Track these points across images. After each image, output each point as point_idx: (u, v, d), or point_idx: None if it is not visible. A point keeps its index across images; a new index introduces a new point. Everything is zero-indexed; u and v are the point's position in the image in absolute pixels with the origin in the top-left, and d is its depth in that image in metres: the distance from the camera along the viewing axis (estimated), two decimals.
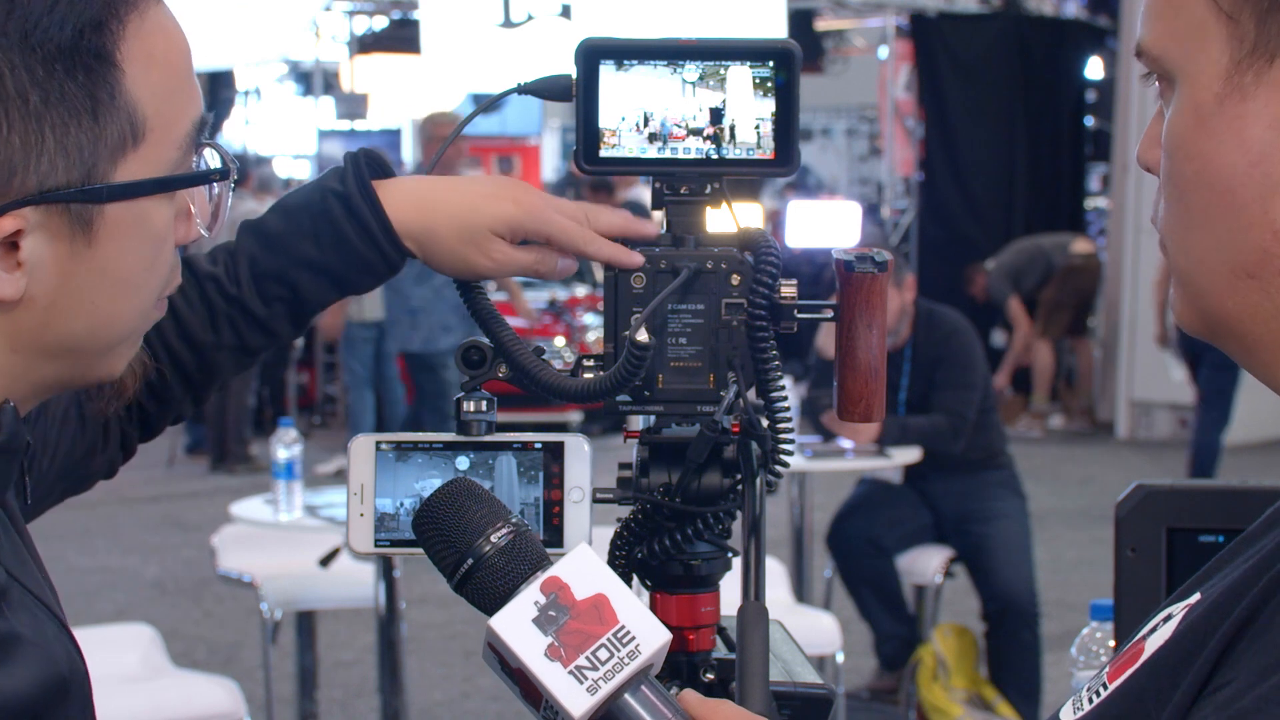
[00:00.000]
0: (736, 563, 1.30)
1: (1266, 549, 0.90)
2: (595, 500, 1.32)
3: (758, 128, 1.30)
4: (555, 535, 1.31)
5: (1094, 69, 13.10)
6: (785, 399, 1.31)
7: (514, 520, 1.12)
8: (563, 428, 9.44)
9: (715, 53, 1.30)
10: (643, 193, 11.81)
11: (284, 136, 17.71)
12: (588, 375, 1.31)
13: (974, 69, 12.25)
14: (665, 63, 1.30)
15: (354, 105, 12.63)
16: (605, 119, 1.30)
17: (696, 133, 1.30)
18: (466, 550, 1.11)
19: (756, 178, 1.53)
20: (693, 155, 1.31)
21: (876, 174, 16.96)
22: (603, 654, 1.06)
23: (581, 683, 1.06)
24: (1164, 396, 11.21)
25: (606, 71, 1.30)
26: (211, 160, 1.13)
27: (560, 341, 10.98)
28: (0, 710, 0.99)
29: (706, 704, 1.10)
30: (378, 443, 1.32)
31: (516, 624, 1.07)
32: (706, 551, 1.31)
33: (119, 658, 3.93)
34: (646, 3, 8.92)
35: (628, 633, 1.07)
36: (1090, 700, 0.97)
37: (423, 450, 1.31)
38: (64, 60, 1.01)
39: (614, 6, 8.90)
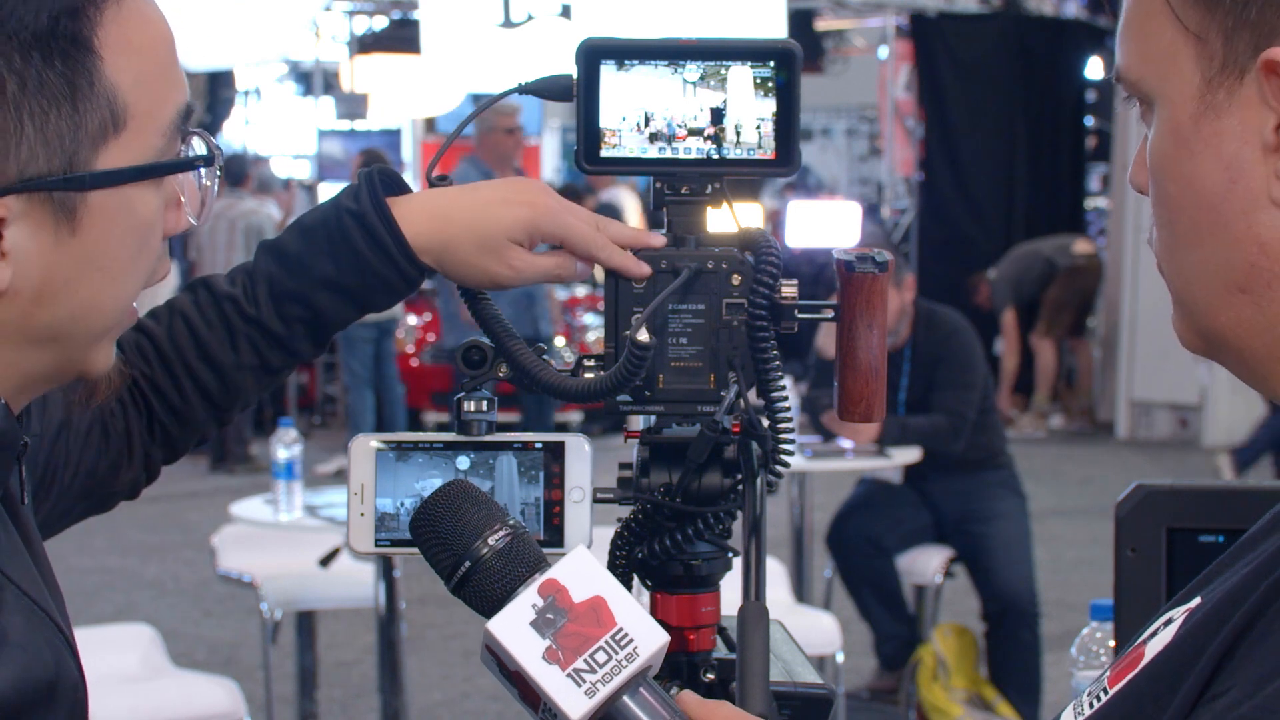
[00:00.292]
0: (736, 563, 1.30)
1: (1265, 554, 0.90)
2: (595, 500, 1.32)
3: (758, 128, 1.30)
4: (556, 535, 1.31)
5: (1094, 69, 13.10)
6: (785, 399, 1.31)
7: (511, 522, 1.12)
8: (563, 428, 9.44)
9: (716, 53, 1.29)
10: (619, 194, 11.80)
11: (284, 136, 17.70)
12: (588, 375, 1.31)
13: (974, 69, 12.24)
14: (666, 63, 1.30)
15: (354, 105, 12.62)
16: (606, 119, 1.30)
17: (697, 133, 1.30)
18: (464, 553, 1.11)
19: (757, 178, 1.53)
20: (693, 155, 1.31)
21: (876, 174, 16.96)
22: (601, 656, 1.06)
23: (580, 685, 1.06)
24: (1164, 396, 11.21)
25: (607, 71, 1.30)
26: (198, 149, 1.12)
27: (560, 341, 10.98)
28: None
29: (705, 705, 1.10)
30: (378, 443, 1.32)
31: (514, 627, 1.07)
32: (707, 551, 1.31)
33: (119, 658, 3.93)
34: (646, 3, 8.91)
35: (626, 635, 1.07)
36: (1091, 705, 0.97)
37: (423, 450, 1.31)
38: (40, 47, 1.01)
39: (614, 6, 8.90)
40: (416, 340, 11.23)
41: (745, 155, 1.30)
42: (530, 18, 9.25)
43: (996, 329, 11.51)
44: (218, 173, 1.15)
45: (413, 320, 11.30)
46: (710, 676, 1.32)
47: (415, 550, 1.17)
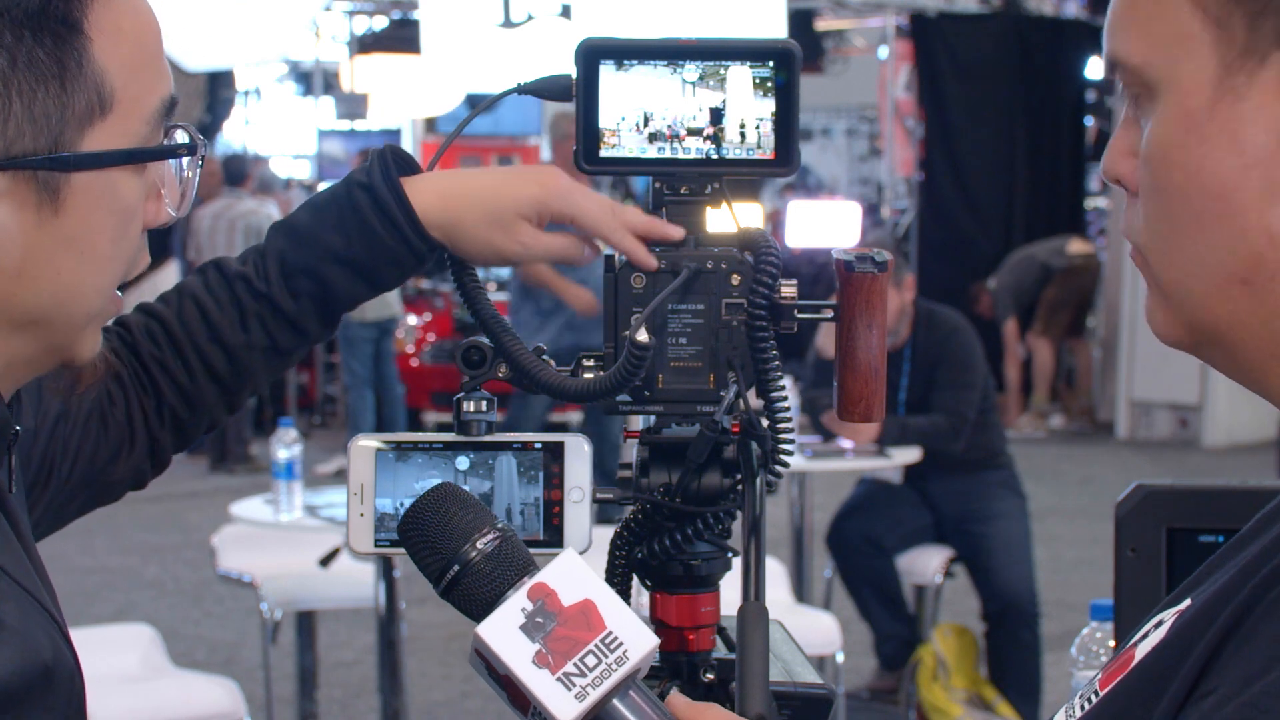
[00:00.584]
0: (736, 563, 1.30)
1: (1253, 554, 0.90)
2: (595, 500, 1.32)
3: (758, 128, 1.30)
4: (555, 535, 1.31)
5: (1094, 69, 13.09)
6: (785, 399, 1.30)
7: (500, 525, 1.12)
8: (563, 428, 9.44)
9: (715, 53, 1.29)
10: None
11: (284, 136, 17.71)
12: (588, 375, 1.31)
13: (974, 69, 12.24)
14: (665, 63, 1.30)
15: (354, 105, 12.62)
16: (605, 119, 1.30)
17: (696, 133, 1.30)
18: (452, 557, 1.11)
19: (756, 178, 1.53)
20: (693, 155, 1.31)
21: (876, 174, 16.96)
22: (590, 660, 1.06)
23: (570, 689, 1.05)
24: (1164, 396, 11.21)
25: (606, 71, 1.30)
26: (181, 140, 1.12)
27: None
28: None
29: (694, 708, 1.10)
30: (378, 443, 1.32)
31: (504, 631, 1.07)
32: (706, 551, 1.31)
33: (119, 658, 3.93)
34: (646, 3, 8.91)
35: (615, 638, 1.07)
36: (1082, 707, 0.97)
37: (423, 450, 1.31)
38: (31, 25, 1.01)
39: (614, 6, 8.89)
40: (416, 340, 11.23)
41: (745, 155, 1.30)
42: (530, 18, 9.25)
43: (1000, 338, 11.50)
44: (199, 164, 1.14)
45: (413, 320, 11.30)
46: (710, 676, 1.32)
47: None
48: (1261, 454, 10.41)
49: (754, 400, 1.29)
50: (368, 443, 1.32)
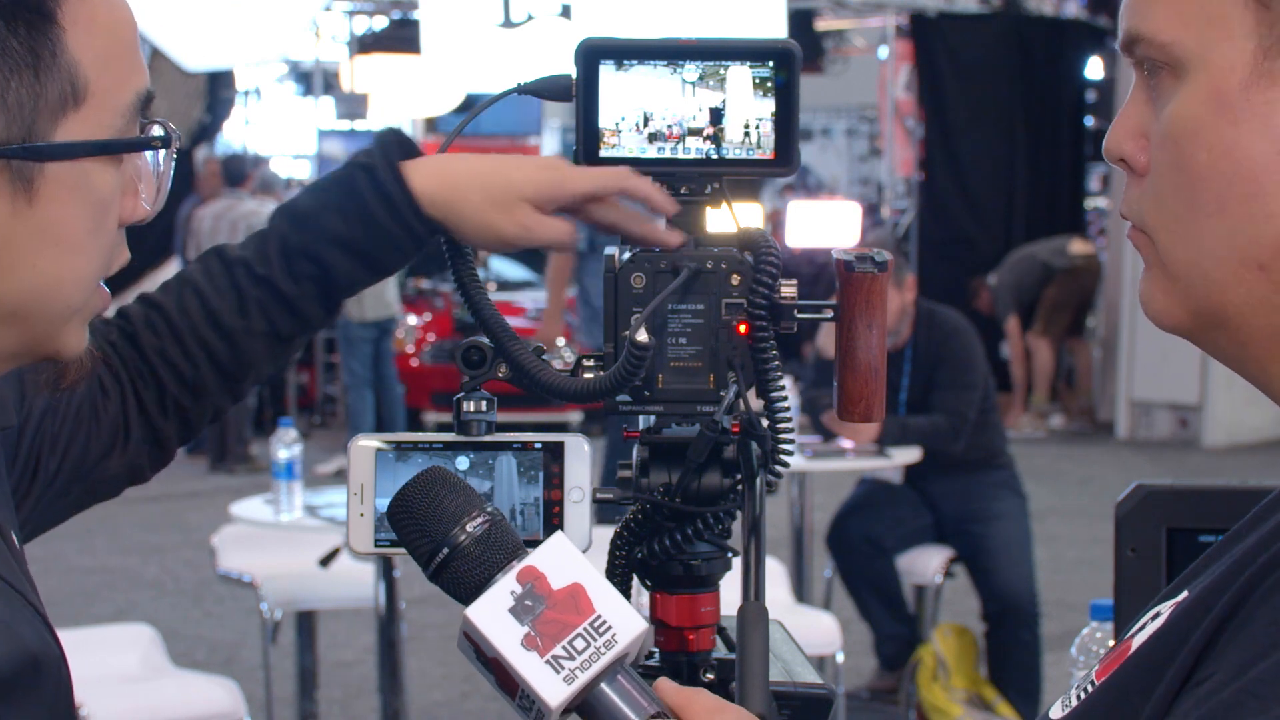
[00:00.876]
0: (736, 563, 1.30)
1: (1248, 546, 0.90)
2: (595, 500, 1.32)
3: (758, 128, 1.30)
4: None
5: (1094, 69, 13.10)
6: (785, 399, 1.30)
7: (489, 509, 1.12)
8: (563, 428, 9.44)
9: (715, 53, 1.29)
10: None
11: (284, 136, 17.70)
12: (588, 375, 1.31)
13: (974, 69, 12.24)
14: (665, 63, 1.30)
15: (354, 105, 12.61)
16: (605, 119, 1.30)
17: (696, 133, 1.30)
18: (442, 539, 1.11)
19: (756, 178, 1.53)
20: (693, 155, 1.31)
21: (876, 174, 16.96)
22: (579, 643, 1.07)
23: (558, 672, 1.06)
24: (1164, 396, 11.21)
25: (606, 71, 1.30)
26: (157, 134, 1.12)
27: (560, 341, 10.98)
28: None
29: (682, 692, 1.10)
30: (378, 443, 1.32)
31: (493, 614, 1.07)
32: (706, 551, 1.31)
33: (119, 658, 3.93)
34: (646, 3, 8.90)
35: (604, 622, 1.08)
36: (1079, 698, 0.97)
37: (423, 450, 1.31)
38: (4, 14, 1.01)
39: (614, 6, 8.89)
40: (416, 340, 11.23)
41: (744, 155, 1.30)
42: (530, 18, 9.25)
43: (998, 333, 11.51)
44: (174, 158, 1.14)
45: (413, 320, 11.30)
46: (710, 676, 1.32)
47: None
48: (1261, 454, 10.42)
49: (754, 400, 1.29)
50: (368, 443, 1.32)
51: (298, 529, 4.49)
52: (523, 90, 1.36)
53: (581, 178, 1.34)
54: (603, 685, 1.08)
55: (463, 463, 1.31)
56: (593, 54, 1.30)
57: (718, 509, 1.30)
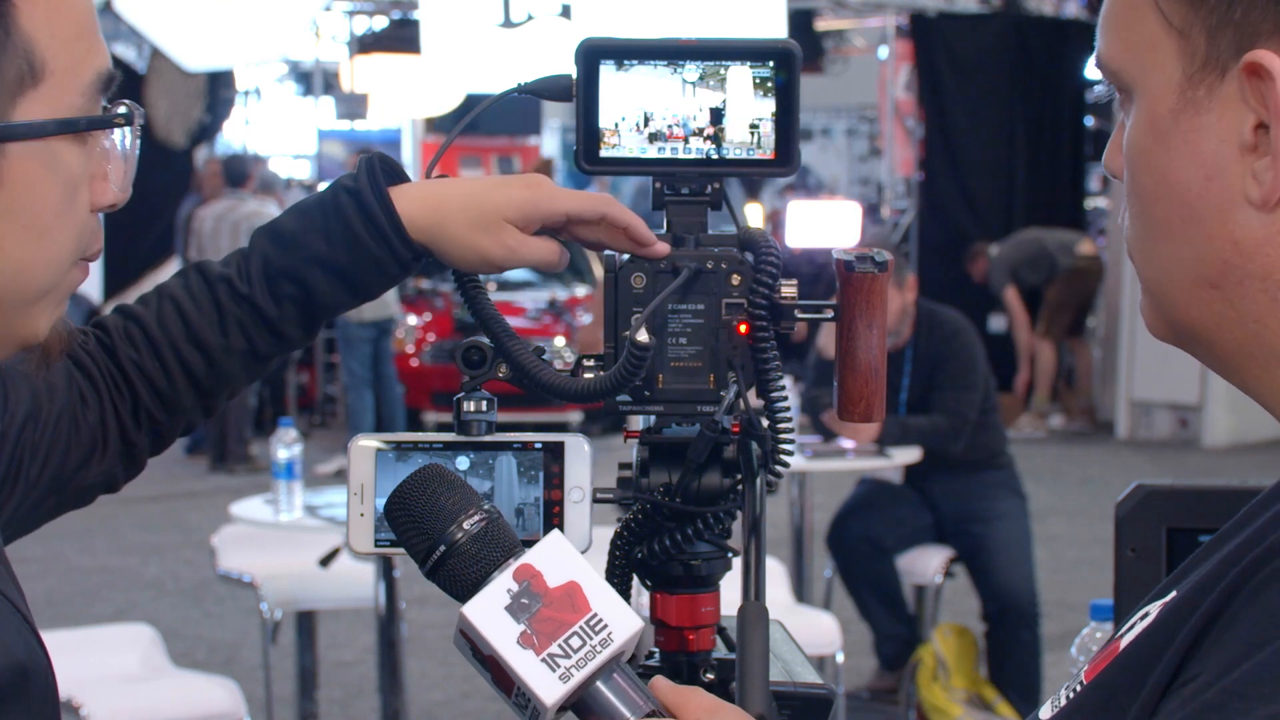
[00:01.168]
0: (736, 563, 1.30)
1: (1235, 545, 0.90)
2: (595, 500, 1.32)
3: (758, 128, 1.30)
4: None
5: (1094, 69, 13.09)
6: (785, 399, 1.30)
7: (486, 507, 1.12)
8: (563, 428, 9.44)
9: (715, 53, 1.29)
10: None
11: (284, 136, 17.71)
12: (588, 375, 1.31)
13: (974, 69, 12.24)
14: (665, 63, 1.29)
15: (354, 105, 12.61)
16: (605, 119, 1.30)
17: (697, 133, 1.30)
18: (439, 537, 1.11)
19: (756, 178, 1.53)
20: (693, 155, 1.31)
21: (876, 174, 16.96)
22: (575, 642, 1.07)
23: (554, 670, 1.06)
24: (1164, 396, 11.21)
25: (606, 71, 1.30)
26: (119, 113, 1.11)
27: (560, 341, 10.98)
28: None
29: (678, 691, 1.10)
30: (378, 443, 1.32)
31: (489, 612, 1.07)
32: (706, 551, 1.31)
33: (119, 658, 3.93)
34: (646, 3, 8.91)
35: (600, 620, 1.08)
36: (1068, 697, 0.97)
37: (423, 450, 1.31)
38: None
39: (614, 6, 8.89)
40: (416, 340, 11.23)
41: (745, 155, 1.30)
42: (530, 18, 9.25)
43: (991, 304, 11.54)
44: (139, 136, 1.12)
45: (413, 320, 11.30)
46: (710, 676, 1.32)
47: None
48: (1261, 454, 10.42)
49: (754, 400, 1.29)
50: (368, 443, 1.32)
51: (298, 529, 4.49)
52: (523, 90, 1.36)
53: (563, 197, 1.34)
54: (598, 683, 1.08)
55: (463, 463, 1.31)
56: (593, 54, 1.30)
57: (718, 509, 1.30)
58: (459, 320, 11.18)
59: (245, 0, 11.62)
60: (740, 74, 1.29)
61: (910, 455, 5.20)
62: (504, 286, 12.16)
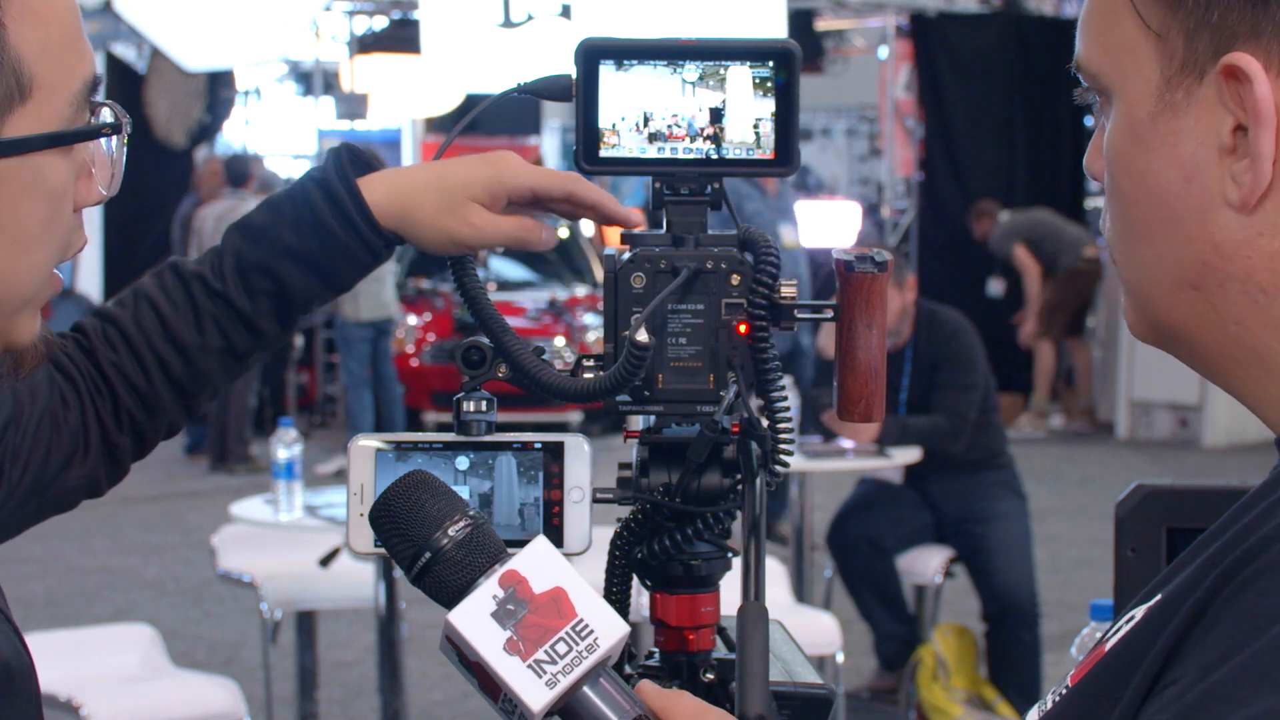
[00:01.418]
0: (736, 563, 1.30)
1: (1218, 546, 0.90)
2: (595, 500, 1.32)
3: (758, 127, 1.30)
4: (555, 535, 1.31)
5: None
6: (785, 399, 1.31)
7: (471, 513, 1.12)
8: (563, 428, 9.44)
9: (715, 53, 1.29)
10: None
11: (284, 136, 17.70)
12: (588, 375, 1.31)
13: (974, 69, 12.25)
14: (665, 63, 1.29)
15: (354, 105, 12.61)
16: (605, 119, 1.30)
17: (697, 133, 1.30)
18: (423, 544, 1.10)
19: (756, 178, 1.53)
20: (693, 155, 1.31)
21: (876, 174, 16.96)
22: (561, 647, 1.07)
23: (540, 676, 1.06)
24: (1164, 396, 11.21)
25: (606, 71, 1.30)
26: (107, 120, 1.11)
27: (560, 341, 10.98)
28: None
29: (664, 695, 1.10)
30: (378, 443, 1.32)
31: (475, 618, 1.07)
32: (706, 551, 1.31)
33: (119, 658, 3.93)
34: (646, 3, 8.91)
35: (586, 626, 1.08)
36: (1053, 701, 0.97)
37: (422, 450, 1.31)
38: None
39: (614, 6, 8.90)
40: (416, 340, 11.23)
41: (744, 155, 1.30)
42: (530, 18, 9.25)
43: (990, 268, 11.58)
44: (125, 141, 1.12)
45: (413, 320, 11.30)
46: (710, 676, 1.32)
47: None
48: (1261, 454, 10.39)
49: (754, 400, 1.29)
50: (368, 443, 1.32)
51: (298, 529, 4.49)
52: (523, 90, 1.36)
53: (526, 173, 1.36)
54: (585, 688, 1.08)
55: (463, 463, 1.31)
56: (593, 54, 1.30)
57: (718, 509, 1.30)
58: (459, 320, 11.17)
59: (245, 0, 11.62)
60: (740, 74, 1.29)
61: (910, 455, 5.20)
62: (504, 286, 12.17)
